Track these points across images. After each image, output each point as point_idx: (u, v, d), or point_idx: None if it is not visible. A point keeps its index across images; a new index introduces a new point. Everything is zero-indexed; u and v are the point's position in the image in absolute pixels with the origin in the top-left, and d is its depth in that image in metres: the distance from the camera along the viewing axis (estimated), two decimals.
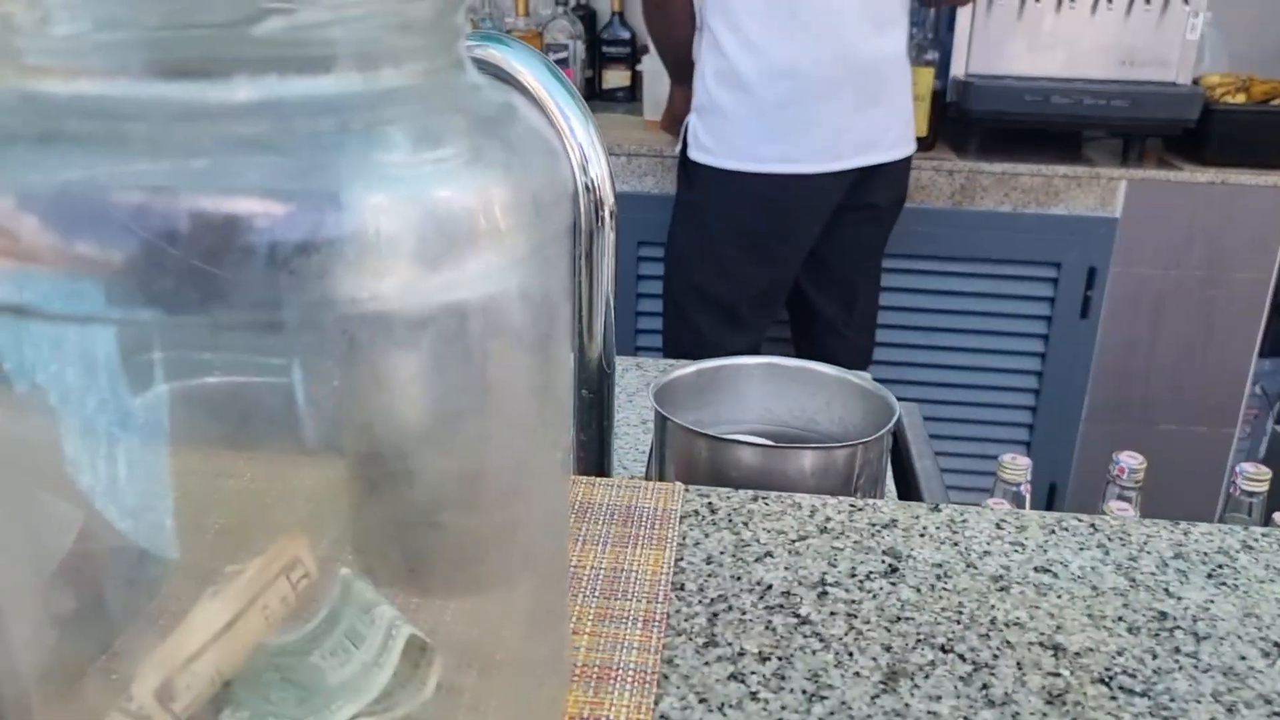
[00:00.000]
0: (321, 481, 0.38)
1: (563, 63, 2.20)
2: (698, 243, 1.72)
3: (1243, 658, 0.47)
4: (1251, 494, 1.00)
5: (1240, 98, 1.93)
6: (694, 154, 1.66)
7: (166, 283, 0.27)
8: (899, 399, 1.99)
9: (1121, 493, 1.03)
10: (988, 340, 2.00)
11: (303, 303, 0.29)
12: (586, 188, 0.64)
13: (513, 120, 0.34)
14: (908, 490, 1.00)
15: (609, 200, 0.64)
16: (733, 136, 1.61)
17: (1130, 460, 1.03)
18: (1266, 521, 0.97)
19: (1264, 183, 1.89)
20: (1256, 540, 0.56)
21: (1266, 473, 0.99)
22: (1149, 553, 0.55)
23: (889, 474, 0.90)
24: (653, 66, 2.12)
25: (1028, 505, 1.06)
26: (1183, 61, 1.93)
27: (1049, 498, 2.10)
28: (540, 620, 0.38)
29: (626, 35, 2.40)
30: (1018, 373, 2.03)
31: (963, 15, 1.94)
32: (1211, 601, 0.51)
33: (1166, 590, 0.52)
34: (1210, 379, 2.01)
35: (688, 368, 0.69)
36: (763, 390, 0.71)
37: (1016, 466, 1.03)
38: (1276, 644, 0.48)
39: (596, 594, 0.50)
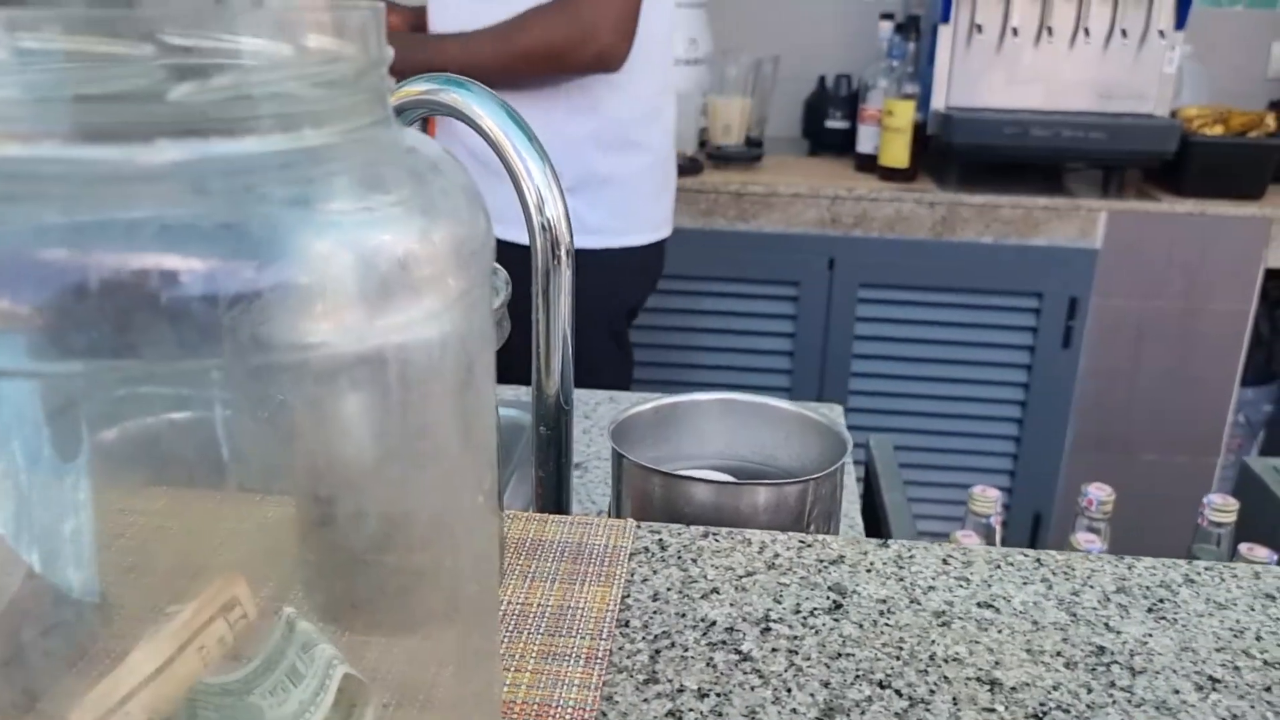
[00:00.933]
0: (257, 523, 0.39)
1: None
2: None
3: (1176, 691, 0.48)
4: (1219, 525, 1.00)
5: (1218, 129, 1.95)
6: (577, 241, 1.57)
7: (96, 334, 0.28)
8: (878, 430, 1.99)
9: (1091, 524, 1.04)
10: (970, 371, 2.01)
11: (227, 352, 0.30)
12: (543, 227, 0.65)
13: (436, 175, 0.35)
14: (876, 524, 1.01)
15: (565, 239, 0.65)
16: (627, 208, 1.40)
17: (1098, 492, 1.04)
18: (1234, 552, 0.97)
19: (1242, 213, 1.91)
20: (1199, 574, 0.57)
21: (1234, 504, 1.00)
22: (1092, 587, 0.56)
23: (858, 508, 0.90)
24: None
25: (998, 537, 1.07)
26: (1161, 94, 1.95)
27: (1033, 528, 2.10)
28: (469, 660, 0.38)
29: None
30: (1000, 402, 2.04)
31: (943, 49, 1.96)
32: (1150, 635, 0.52)
33: (1106, 625, 0.52)
34: (1192, 409, 2.02)
35: (645, 405, 0.70)
36: (721, 426, 0.71)
37: (986, 499, 1.04)
38: (1211, 678, 0.49)
39: (542, 631, 0.50)
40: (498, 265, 0.57)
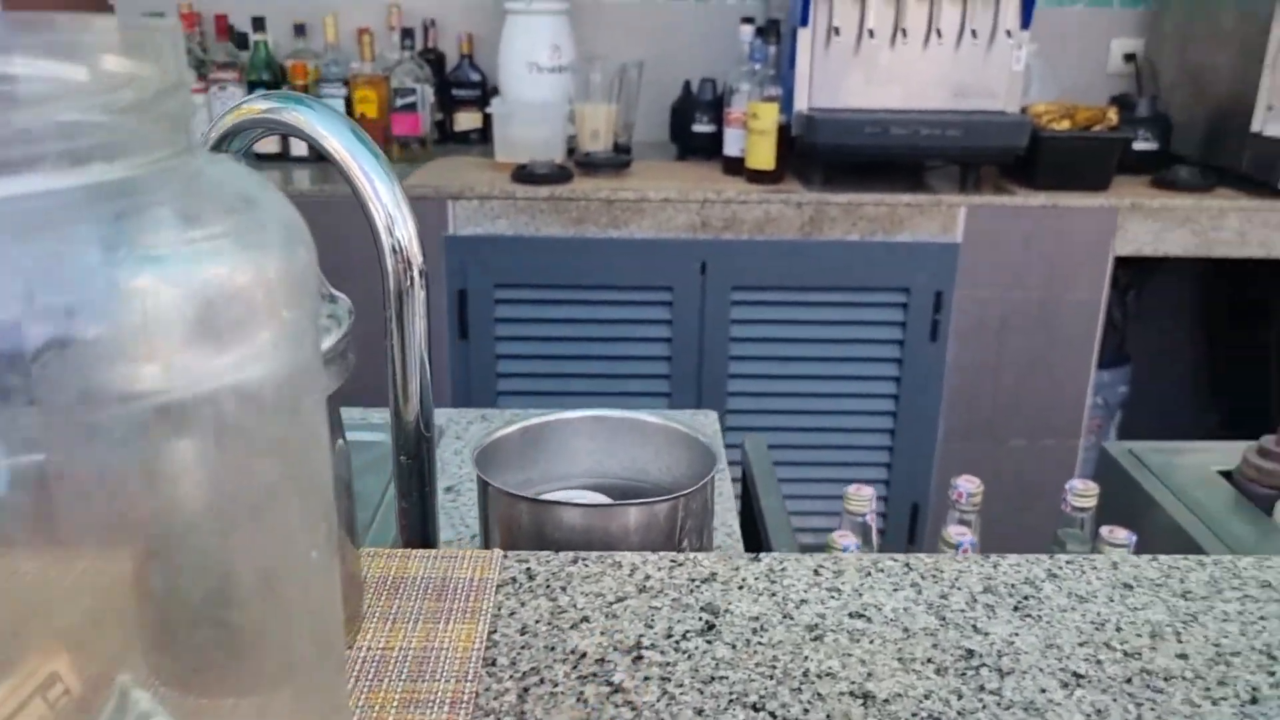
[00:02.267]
0: (82, 585, 0.35)
1: (411, 107, 2.18)
2: None
3: (1043, 690, 0.48)
4: (1081, 509, 1.04)
5: (1065, 124, 2.03)
6: None
7: None
8: (755, 429, 2.00)
9: (961, 517, 1.06)
10: (843, 367, 2.05)
11: (40, 403, 0.28)
12: (394, 249, 0.62)
13: (251, 207, 0.32)
14: (754, 529, 1.01)
15: (417, 259, 0.62)
16: None
17: (967, 484, 1.06)
18: (1096, 534, 1.01)
19: (1092, 204, 1.99)
20: (1061, 569, 0.58)
21: (1094, 488, 1.03)
22: (959, 589, 0.56)
23: (736, 516, 0.90)
24: (503, 110, 2.12)
25: (874, 535, 1.08)
26: (1010, 91, 2.03)
27: (912, 518, 2.15)
28: (317, 717, 0.36)
29: (476, 78, 2.39)
30: (874, 397, 2.08)
31: (803, 52, 1.99)
32: (1016, 634, 0.52)
33: (974, 626, 0.53)
34: (1053, 394, 2.10)
35: (511, 426, 0.68)
36: (591, 444, 0.70)
37: (861, 497, 1.05)
38: (1075, 674, 0.49)
39: (403, 677, 0.48)
40: (340, 294, 0.54)
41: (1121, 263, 2.08)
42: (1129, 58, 2.46)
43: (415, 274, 0.63)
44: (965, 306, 2.03)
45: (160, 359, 0.29)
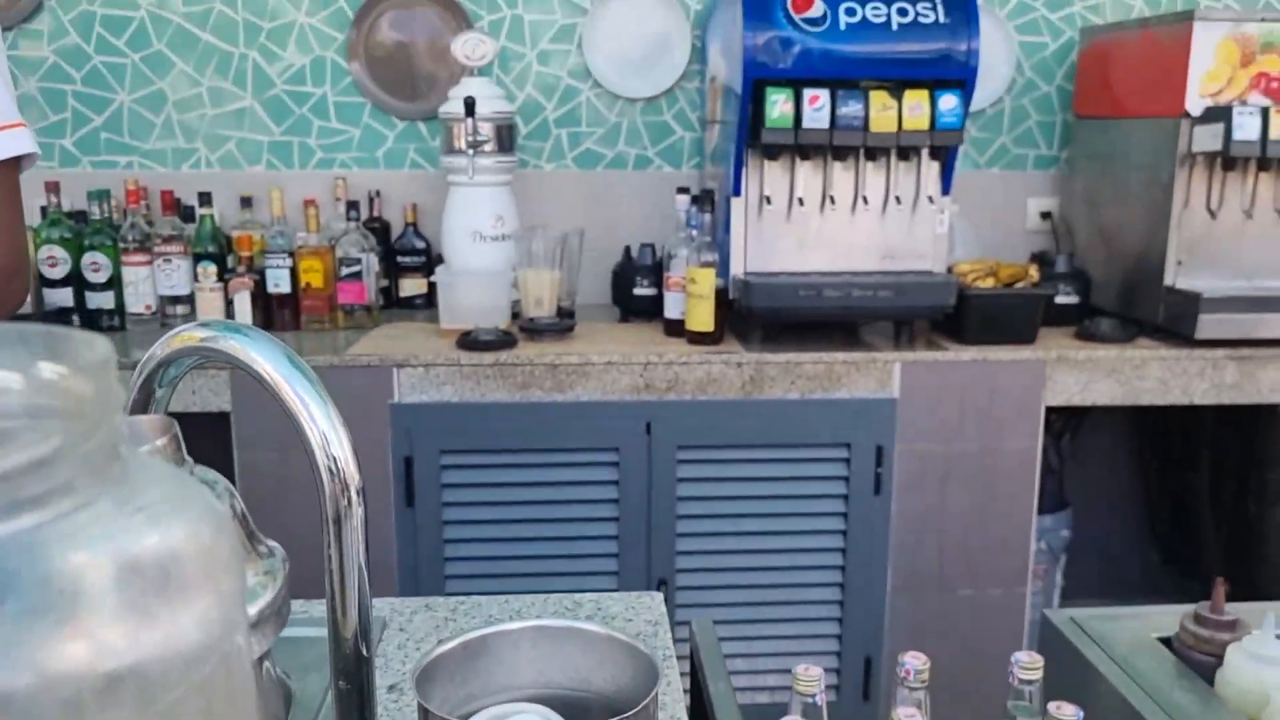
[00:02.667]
0: None
1: (356, 275, 2.21)
2: None
3: None
4: (1028, 682, 1.04)
5: (989, 282, 2.12)
6: None
7: None
8: (707, 589, 1.99)
9: (910, 695, 1.06)
10: (790, 523, 2.06)
11: None
12: (330, 470, 0.63)
13: (171, 491, 0.33)
14: (703, 714, 0.99)
15: (355, 480, 0.63)
16: None
17: (914, 661, 1.06)
18: (1044, 709, 1.01)
19: (1020, 357, 2.06)
20: None
21: (1039, 660, 1.03)
22: None
23: (684, 706, 0.89)
24: (447, 279, 2.16)
25: (824, 715, 1.07)
26: (936, 252, 2.12)
27: (865, 671, 2.13)
28: None
29: (421, 245, 2.44)
30: (822, 551, 2.08)
31: (737, 219, 2.07)
32: None
33: None
34: (997, 542, 2.13)
35: (452, 642, 0.67)
36: (534, 654, 0.69)
37: (809, 678, 1.04)
38: None
39: None
40: (273, 544, 0.54)
41: (1054, 409, 2.14)
42: (1045, 215, 2.59)
43: (353, 494, 0.63)
44: (906, 459, 2.07)
45: (87, 634, 0.30)
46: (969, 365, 2.05)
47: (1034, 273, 2.16)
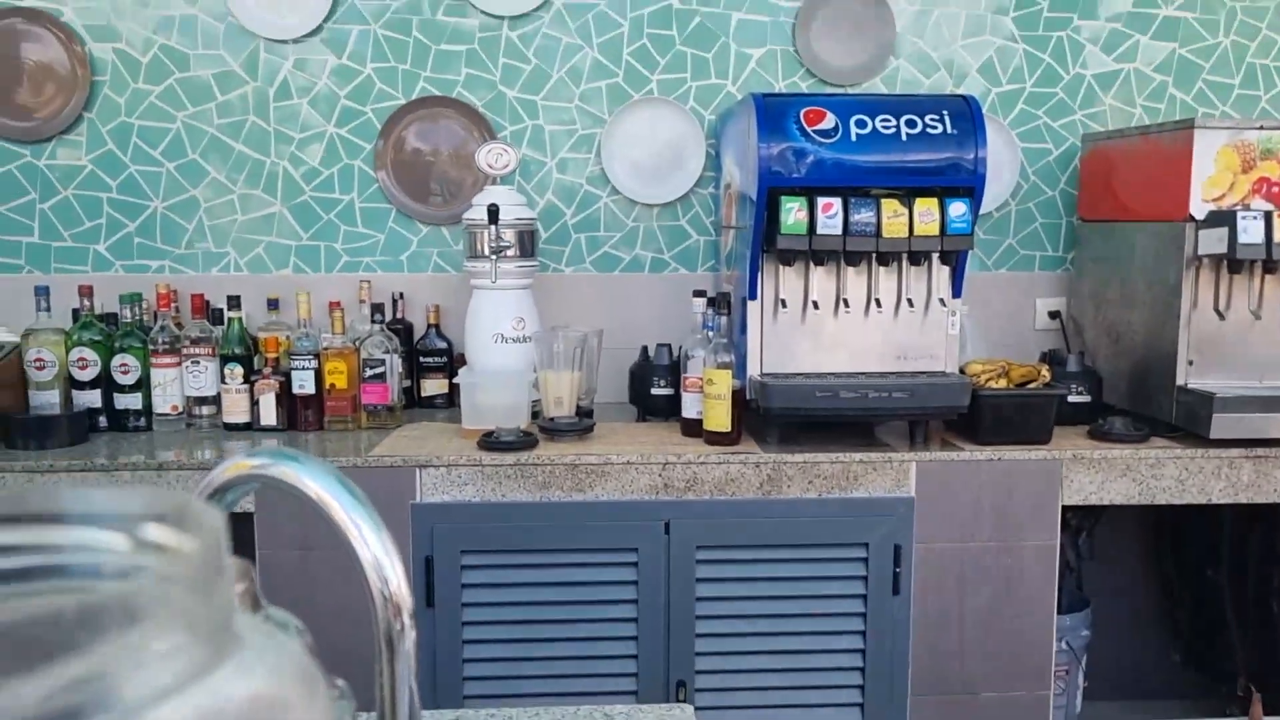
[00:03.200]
0: None
1: (380, 377, 2.26)
2: None
3: None
4: None
5: (1002, 382, 2.15)
6: None
7: None
8: (723, 690, 1.96)
9: None
10: (809, 623, 2.06)
11: None
12: (383, 595, 0.65)
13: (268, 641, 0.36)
14: None
15: (407, 604, 0.66)
16: None
17: None
18: None
19: (1035, 457, 2.08)
20: None
21: None
22: None
23: None
24: (469, 380, 2.20)
25: None
26: (949, 353, 2.15)
27: None
28: None
29: (443, 345, 2.49)
30: (841, 652, 2.08)
31: (753, 322, 2.12)
32: None
33: None
34: (1019, 642, 2.11)
35: None
36: None
37: None
38: None
39: None
40: (340, 683, 0.56)
41: (1070, 508, 2.15)
42: (1053, 315, 2.63)
43: (405, 617, 0.66)
44: (924, 559, 2.07)
45: None
46: (985, 465, 2.07)
47: (1046, 373, 2.19)
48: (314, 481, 0.66)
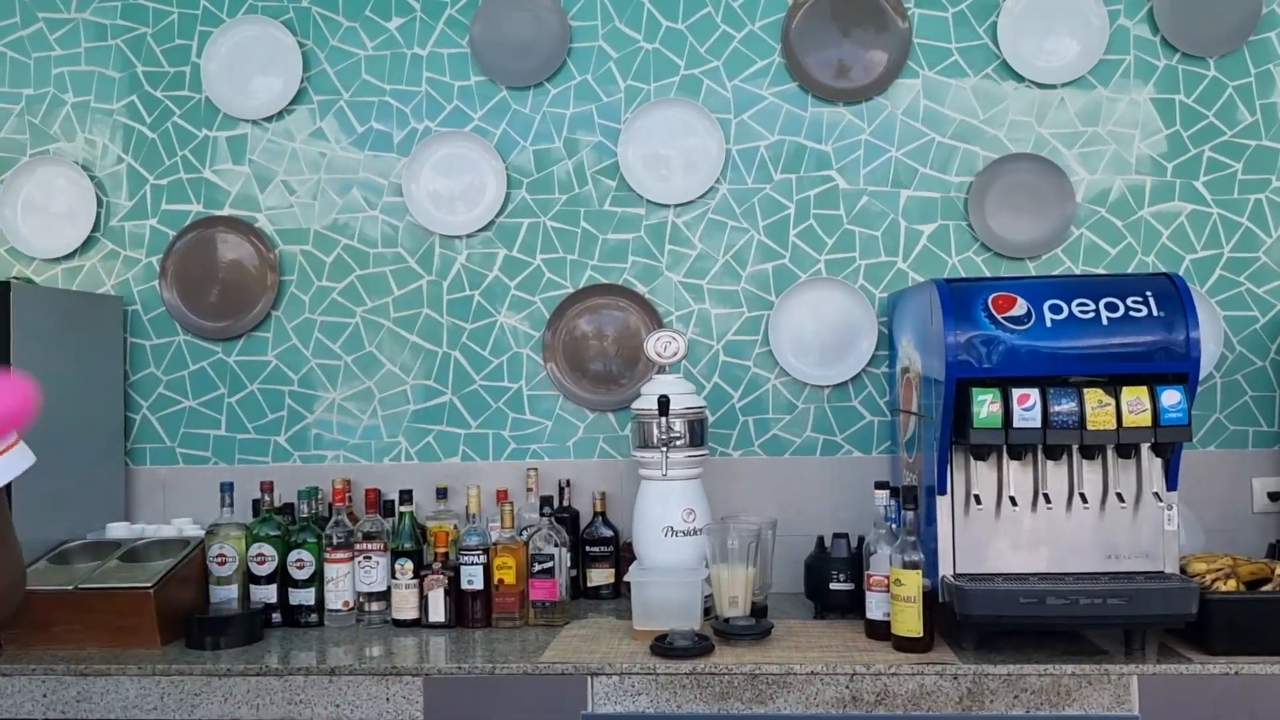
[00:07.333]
0: None
1: (548, 572, 2.20)
2: None
3: None
4: None
5: (1231, 584, 1.93)
6: None
7: None
8: None
9: None
10: None
11: None
12: None
13: None
14: None
15: None
16: None
17: None
18: None
19: (1278, 671, 1.83)
20: None
21: None
22: None
23: None
24: (639, 578, 2.12)
25: None
26: (1166, 551, 1.95)
27: None
28: None
29: (609, 533, 2.43)
30: None
31: (943, 518, 1.98)
32: None
33: None
34: None
35: None
36: None
37: None
38: None
39: None
40: None
41: None
42: (1274, 497, 2.39)
43: None
44: None
45: None
46: (1220, 679, 1.83)
47: None
48: None
